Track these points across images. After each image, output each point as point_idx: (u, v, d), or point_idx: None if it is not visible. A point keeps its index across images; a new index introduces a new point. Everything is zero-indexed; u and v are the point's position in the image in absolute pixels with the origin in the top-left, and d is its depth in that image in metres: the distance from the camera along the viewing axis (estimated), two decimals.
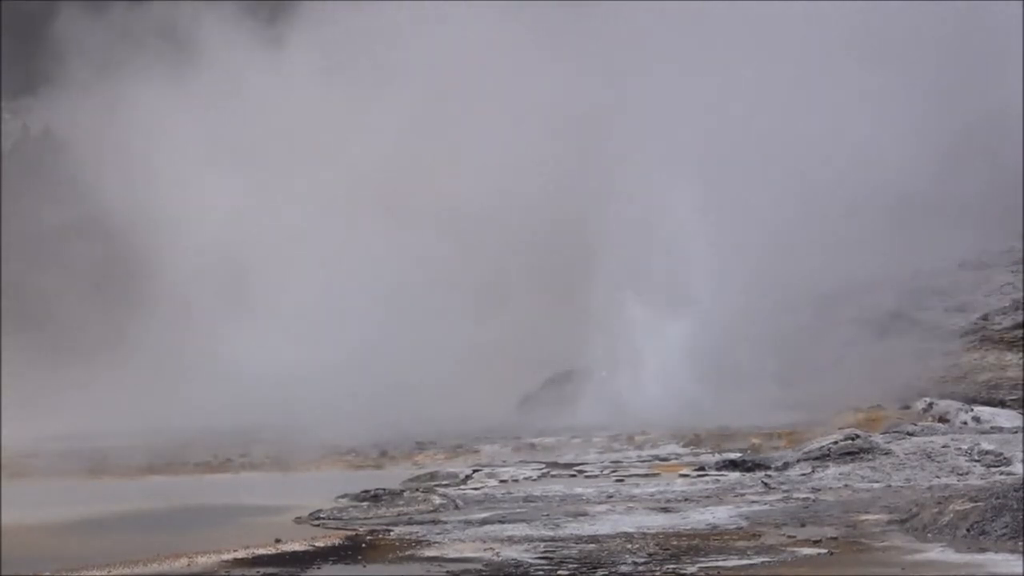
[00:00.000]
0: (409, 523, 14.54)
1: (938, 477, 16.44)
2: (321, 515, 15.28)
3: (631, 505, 15.39)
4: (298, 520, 15.15)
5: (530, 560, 12.17)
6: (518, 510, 15.23)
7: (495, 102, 30.56)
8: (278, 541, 13.25)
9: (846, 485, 16.35)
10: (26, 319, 32.22)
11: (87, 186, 33.56)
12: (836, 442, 17.92)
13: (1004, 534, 12.21)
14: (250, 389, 25.78)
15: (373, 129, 30.60)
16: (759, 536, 13.01)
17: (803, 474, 17.18)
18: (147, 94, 33.13)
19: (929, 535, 12.68)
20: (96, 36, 33.90)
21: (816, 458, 17.67)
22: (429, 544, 13.17)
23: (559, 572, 11.63)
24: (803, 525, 13.59)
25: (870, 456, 17.48)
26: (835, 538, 12.73)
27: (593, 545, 12.82)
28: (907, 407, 21.24)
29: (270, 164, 31.55)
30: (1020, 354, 23.78)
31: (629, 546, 12.70)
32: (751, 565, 11.68)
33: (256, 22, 34.14)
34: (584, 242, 28.49)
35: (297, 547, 13.11)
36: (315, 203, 30.16)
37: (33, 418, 24.03)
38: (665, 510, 14.92)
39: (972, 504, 12.95)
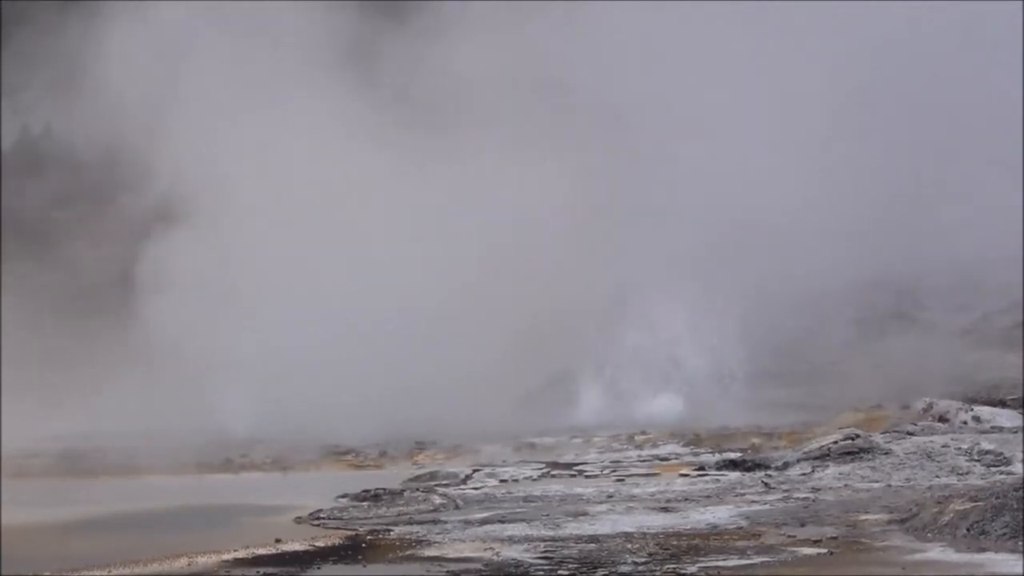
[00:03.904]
0: (409, 523, 14.53)
1: (938, 477, 16.44)
2: (321, 515, 15.28)
3: (631, 505, 15.38)
4: (298, 520, 15.15)
5: (530, 560, 12.17)
6: (518, 510, 15.23)
7: None
8: (278, 541, 13.24)
9: (846, 485, 16.34)
10: (26, 318, 32.19)
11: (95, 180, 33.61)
12: (836, 442, 17.91)
13: (1004, 534, 12.21)
14: (251, 389, 25.77)
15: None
16: (759, 536, 13.01)
17: (803, 474, 17.18)
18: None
19: (929, 535, 12.67)
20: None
21: (816, 458, 17.66)
22: (429, 544, 13.17)
23: (559, 572, 11.62)
24: (803, 525, 13.58)
25: (870, 456, 17.48)
26: (835, 538, 12.73)
27: (593, 545, 12.81)
28: (907, 407, 21.24)
29: (295, 166, 31.58)
30: (1020, 354, 23.80)
31: (629, 546, 12.70)
32: (751, 565, 11.68)
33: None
34: (585, 242, 28.51)
35: (297, 547, 13.11)
36: (326, 207, 30.17)
37: (33, 418, 24.01)
38: (665, 510, 14.91)
39: (972, 504, 12.94)
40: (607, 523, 14.07)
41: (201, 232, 30.58)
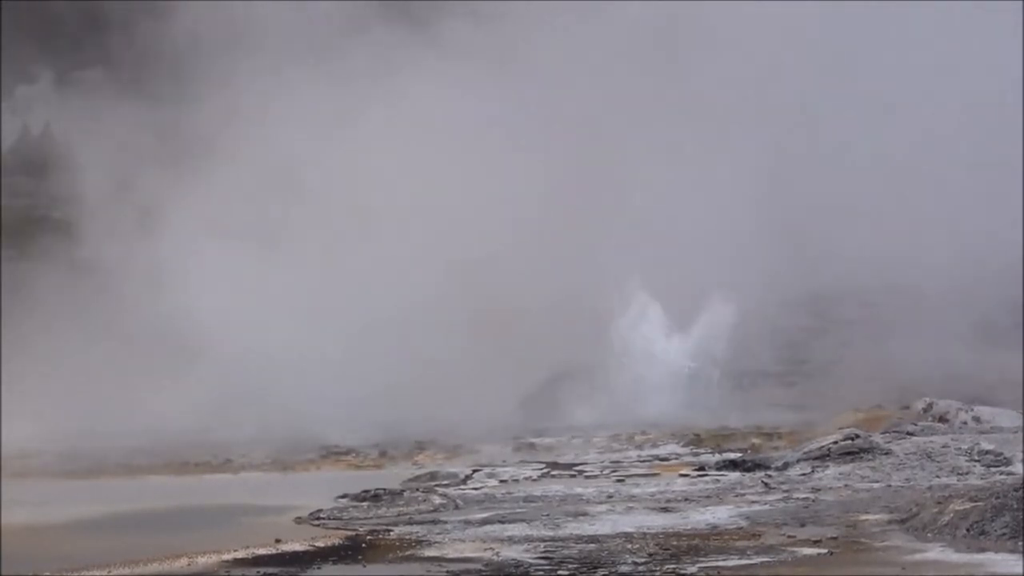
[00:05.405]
0: (409, 523, 14.53)
1: (938, 477, 16.44)
2: (321, 515, 15.27)
3: (631, 505, 15.38)
4: (298, 520, 15.14)
5: (530, 560, 12.17)
6: (518, 510, 15.22)
7: None
8: (278, 541, 13.24)
9: (846, 485, 16.34)
10: (26, 317, 32.18)
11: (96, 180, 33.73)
12: (836, 442, 17.91)
13: (1004, 534, 12.21)
14: (250, 389, 25.75)
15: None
16: (759, 536, 13.01)
17: (803, 474, 17.18)
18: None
19: (929, 535, 12.68)
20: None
21: (816, 458, 17.66)
22: (429, 544, 13.17)
23: (559, 572, 11.63)
24: (803, 525, 13.59)
25: (870, 456, 17.48)
26: (835, 538, 12.73)
27: (593, 545, 12.81)
28: (907, 407, 21.23)
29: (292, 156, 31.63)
30: (1020, 354, 23.77)
31: (629, 546, 12.70)
32: (751, 565, 11.68)
33: None
34: (585, 242, 28.50)
35: (297, 547, 13.10)
36: (324, 207, 30.17)
37: (33, 418, 23.99)
38: (665, 510, 14.91)
39: (972, 504, 12.95)
40: (607, 523, 14.06)
41: (198, 231, 30.60)
